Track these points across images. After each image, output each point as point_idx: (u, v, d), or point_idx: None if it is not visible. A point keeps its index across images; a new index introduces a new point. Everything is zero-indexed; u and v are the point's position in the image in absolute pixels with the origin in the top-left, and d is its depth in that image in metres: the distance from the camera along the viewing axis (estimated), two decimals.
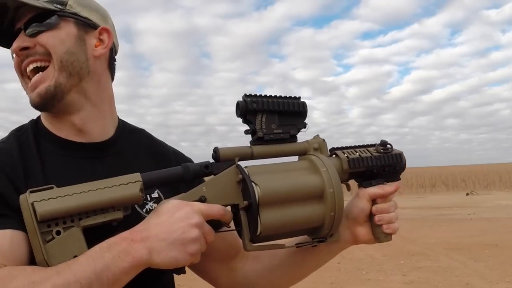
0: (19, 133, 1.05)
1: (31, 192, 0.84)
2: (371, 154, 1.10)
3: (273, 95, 1.00)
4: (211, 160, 0.96)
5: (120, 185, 0.86)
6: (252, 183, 0.90)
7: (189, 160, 1.21)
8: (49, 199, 0.82)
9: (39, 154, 1.01)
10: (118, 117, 1.16)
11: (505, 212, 15.40)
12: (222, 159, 0.94)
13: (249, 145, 0.98)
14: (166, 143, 1.24)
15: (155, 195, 1.07)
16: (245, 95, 0.98)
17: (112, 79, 1.15)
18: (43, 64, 1.01)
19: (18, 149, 0.99)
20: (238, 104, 0.97)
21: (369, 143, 1.15)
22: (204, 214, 0.88)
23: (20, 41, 1.00)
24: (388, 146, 1.11)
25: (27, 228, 0.84)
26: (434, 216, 15.20)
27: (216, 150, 0.94)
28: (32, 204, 0.82)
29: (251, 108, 0.96)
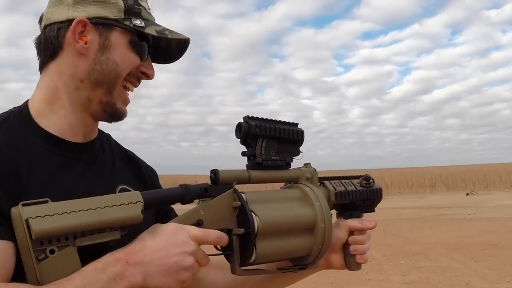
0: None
1: (24, 205, 0.78)
2: (356, 188, 1.15)
3: (273, 119, 1.01)
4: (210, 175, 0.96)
5: (120, 205, 0.83)
6: (252, 213, 0.90)
7: (151, 169, 1.21)
8: (45, 216, 0.77)
9: (29, 150, 0.94)
10: None
11: (505, 212, 15.40)
12: (220, 182, 0.93)
13: (246, 168, 0.99)
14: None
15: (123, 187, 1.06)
16: (248, 117, 0.97)
17: None
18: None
19: (6, 144, 0.92)
20: (240, 126, 0.97)
21: (354, 175, 1.20)
22: (199, 241, 0.87)
23: (154, 73, 1.08)
24: (371, 181, 1.17)
25: (19, 245, 0.79)
26: (434, 216, 15.20)
27: (215, 173, 0.93)
28: (27, 220, 0.76)
29: (253, 133, 0.96)
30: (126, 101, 1.05)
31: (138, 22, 1.01)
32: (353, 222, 1.14)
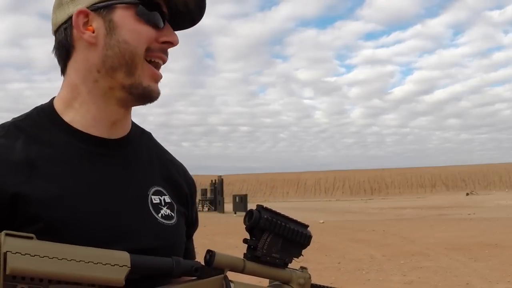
0: (20, 121, 0.96)
1: (8, 235, 0.75)
2: None
3: (286, 216, 0.99)
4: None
5: (106, 264, 0.80)
6: None
7: (192, 179, 1.16)
8: (25, 254, 0.74)
9: (48, 142, 0.93)
10: None
11: (505, 212, 15.42)
12: (213, 266, 0.91)
13: (244, 257, 0.96)
14: (165, 143, 1.16)
15: (168, 200, 1.02)
16: (262, 207, 0.95)
17: None
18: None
19: (22, 138, 0.91)
20: (251, 214, 0.94)
21: None
22: None
23: (178, 38, 0.99)
24: None
25: None
26: (434, 216, 15.22)
27: (211, 255, 0.90)
28: (5, 253, 0.73)
29: (262, 226, 0.94)
30: (155, 76, 0.97)
31: None
32: None
